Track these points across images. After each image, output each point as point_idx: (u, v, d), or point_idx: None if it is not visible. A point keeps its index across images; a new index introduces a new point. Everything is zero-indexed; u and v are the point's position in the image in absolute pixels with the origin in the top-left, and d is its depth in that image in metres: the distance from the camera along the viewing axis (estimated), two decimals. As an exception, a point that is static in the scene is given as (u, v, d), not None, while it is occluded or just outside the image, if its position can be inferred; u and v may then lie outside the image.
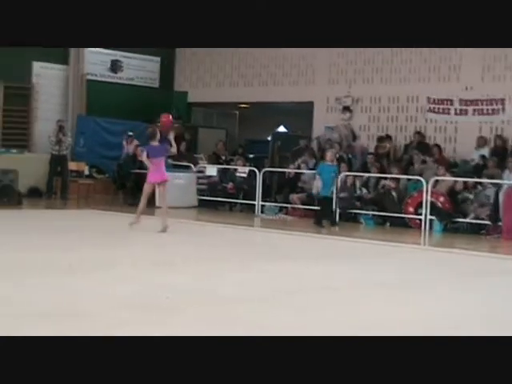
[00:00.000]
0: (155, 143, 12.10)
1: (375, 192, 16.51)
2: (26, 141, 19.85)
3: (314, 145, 19.43)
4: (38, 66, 20.12)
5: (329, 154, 15.29)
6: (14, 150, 18.83)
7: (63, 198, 18.40)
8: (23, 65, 19.54)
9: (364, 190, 16.67)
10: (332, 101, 19.89)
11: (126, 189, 18.93)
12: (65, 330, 5.05)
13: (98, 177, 19.79)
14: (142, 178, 17.89)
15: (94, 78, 21.13)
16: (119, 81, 21.75)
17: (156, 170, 11.90)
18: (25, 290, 6.80)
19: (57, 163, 18.64)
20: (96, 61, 21.25)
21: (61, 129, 18.72)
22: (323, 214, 15.03)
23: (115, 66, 21.71)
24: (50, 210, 16.37)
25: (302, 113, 21.18)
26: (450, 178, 15.71)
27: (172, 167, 19.14)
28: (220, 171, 19.10)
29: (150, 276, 7.88)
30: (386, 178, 16.49)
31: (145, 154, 12.14)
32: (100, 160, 20.18)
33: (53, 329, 5.15)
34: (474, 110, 17.62)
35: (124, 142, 19.13)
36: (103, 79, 21.44)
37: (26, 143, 19.77)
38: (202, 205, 18.22)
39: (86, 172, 19.72)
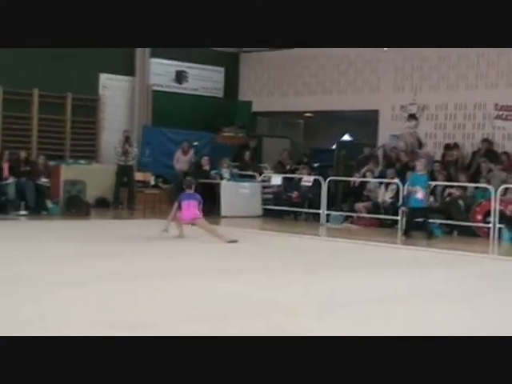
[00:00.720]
0: (190, 191, 12.86)
1: (442, 200, 16.37)
2: (94, 151, 20.27)
3: (380, 153, 19.38)
4: (104, 78, 20.52)
5: (419, 164, 15.10)
6: (82, 161, 19.23)
7: (130, 209, 18.71)
8: (90, 77, 19.96)
9: (431, 199, 16.54)
10: (397, 109, 19.81)
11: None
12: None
13: (163, 187, 20.05)
14: (207, 188, 18.20)
15: (159, 88, 21.46)
16: (184, 91, 22.03)
17: (186, 210, 12.51)
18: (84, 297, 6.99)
19: (123, 174, 18.97)
20: (161, 72, 21.60)
21: (127, 139, 19.07)
22: (413, 225, 14.86)
23: (180, 77, 22.02)
24: (117, 221, 16.64)
25: (366, 121, 21.12)
26: (519, 186, 15.50)
27: (237, 177, 19.35)
28: (285, 180, 19.19)
29: (215, 285, 7.99)
30: (452, 187, 16.33)
31: (176, 204, 12.75)
32: (165, 170, 20.45)
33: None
34: (544, 117, 17.39)
35: (179, 152, 19.40)
36: (168, 90, 21.76)
37: (93, 154, 20.18)
38: (267, 214, 18.32)
39: (152, 182, 20.01)
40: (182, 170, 19.03)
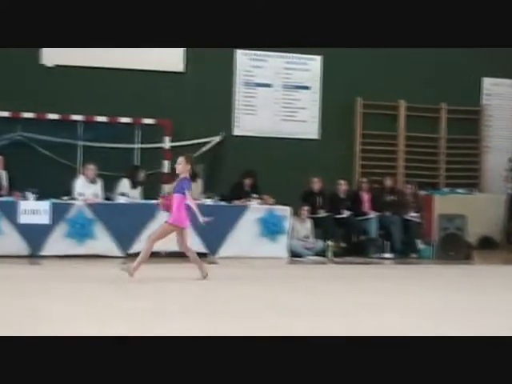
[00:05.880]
0: None
1: None
2: (476, 178, 20.36)
3: None
4: (488, 83, 20.55)
5: None
6: (461, 190, 19.38)
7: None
8: (470, 82, 20.14)
9: None
10: None
11: None
12: None
13: None
14: None
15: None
16: None
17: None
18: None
19: (513, 206, 18.96)
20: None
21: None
22: None
23: None
24: (509, 266, 16.42)
25: None
26: None
27: None
28: None
29: None
30: None
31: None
32: None
33: None
34: None
35: None
36: None
37: (475, 181, 20.29)
38: None
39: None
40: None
